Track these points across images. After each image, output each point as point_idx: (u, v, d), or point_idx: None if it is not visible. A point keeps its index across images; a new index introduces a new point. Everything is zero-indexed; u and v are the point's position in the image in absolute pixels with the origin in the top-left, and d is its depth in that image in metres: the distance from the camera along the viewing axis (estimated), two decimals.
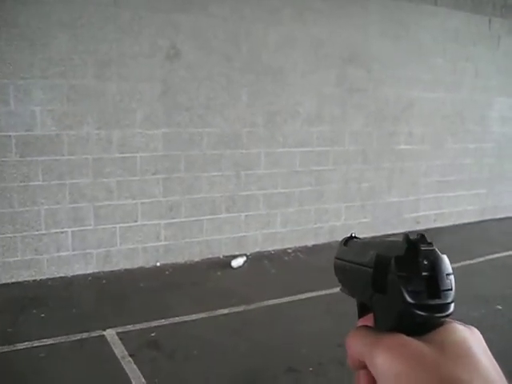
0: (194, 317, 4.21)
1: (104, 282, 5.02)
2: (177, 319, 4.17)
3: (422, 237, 0.40)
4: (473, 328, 0.41)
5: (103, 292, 4.79)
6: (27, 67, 4.65)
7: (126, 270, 5.34)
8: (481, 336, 0.40)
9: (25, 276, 4.91)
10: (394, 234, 6.85)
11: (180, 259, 5.63)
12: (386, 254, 0.41)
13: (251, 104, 5.81)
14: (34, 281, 4.94)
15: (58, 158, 4.88)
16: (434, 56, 7.01)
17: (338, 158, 6.53)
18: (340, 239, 0.55)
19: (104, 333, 3.85)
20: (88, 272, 5.17)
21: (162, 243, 5.53)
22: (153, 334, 3.86)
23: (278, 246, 6.25)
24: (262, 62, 5.80)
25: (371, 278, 0.42)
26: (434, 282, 0.39)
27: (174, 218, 5.55)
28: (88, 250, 5.15)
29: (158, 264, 5.51)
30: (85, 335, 3.81)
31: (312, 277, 5.05)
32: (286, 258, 5.99)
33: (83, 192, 5.04)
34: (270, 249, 6.20)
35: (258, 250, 6.11)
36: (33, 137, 4.75)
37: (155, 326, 4.00)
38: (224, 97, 5.63)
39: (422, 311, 0.38)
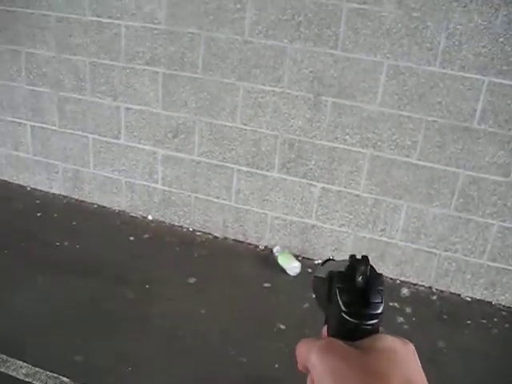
0: None
1: (54, 216, 3.25)
2: None
3: (363, 257, 0.45)
4: (407, 341, 0.43)
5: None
6: None
7: (99, 207, 3.40)
8: (413, 349, 0.43)
9: None
10: None
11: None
12: (336, 270, 0.46)
13: None
14: None
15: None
16: None
17: None
18: None
19: None
20: (53, 192, 3.48)
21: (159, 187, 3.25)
22: None
23: None
24: None
25: (327, 290, 0.47)
26: (365, 295, 0.44)
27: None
28: (51, 161, 3.41)
29: (150, 217, 3.33)
30: None
31: None
32: None
33: (44, 70, 3.21)
34: None
35: None
36: None
37: None
38: None
39: (353, 318, 0.43)
